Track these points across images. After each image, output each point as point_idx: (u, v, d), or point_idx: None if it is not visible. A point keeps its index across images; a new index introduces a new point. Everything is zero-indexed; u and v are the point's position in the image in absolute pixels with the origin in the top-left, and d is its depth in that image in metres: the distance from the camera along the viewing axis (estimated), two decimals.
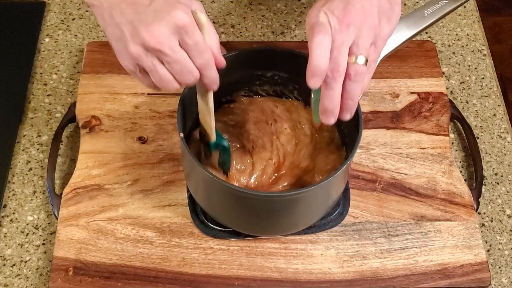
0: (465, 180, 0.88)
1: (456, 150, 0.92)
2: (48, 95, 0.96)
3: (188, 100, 0.75)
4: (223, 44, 0.96)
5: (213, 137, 0.74)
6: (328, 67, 0.60)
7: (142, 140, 0.89)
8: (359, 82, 0.62)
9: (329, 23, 0.60)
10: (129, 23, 0.60)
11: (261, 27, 1.05)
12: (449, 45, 1.04)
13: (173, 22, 0.59)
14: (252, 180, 0.81)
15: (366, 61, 0.61)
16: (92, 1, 0.64)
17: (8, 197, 0.86)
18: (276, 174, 0.82)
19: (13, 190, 0.87)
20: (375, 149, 0.89)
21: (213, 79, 0.64)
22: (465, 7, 1.08)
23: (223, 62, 0.65)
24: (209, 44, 0.62)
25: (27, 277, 0.81)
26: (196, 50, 0.61)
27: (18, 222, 0.85)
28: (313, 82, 0.60)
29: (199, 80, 0.64)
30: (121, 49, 0.63)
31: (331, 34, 0.60)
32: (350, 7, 0.61)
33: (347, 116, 0.64)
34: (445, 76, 1.00)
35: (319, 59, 0.59)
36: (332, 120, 0.63)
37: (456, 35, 1.05)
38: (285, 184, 0.81)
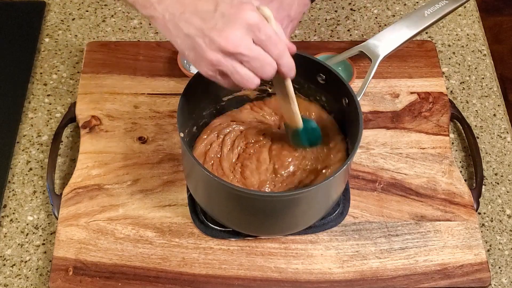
0: (465, 180, 0.88)
1: (456, 150, 0.92)
2: (48, 95, 0.96)
3: (188, 100, 0.75)
4: None
5: (300, 123, 0.75)
6: None
7: (142, 140, 0.89)
8: None
9: None
10: (200, 32, 0.62)
11: None
12: (449, 45, 1.04)
13: (245, 23, 0.61)
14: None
15: None
16: (152, 14, 0.65)
17: (8, 197, 0.86)
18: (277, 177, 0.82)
19: (13, 190, 0.87)
20: (375, 149, 0.89)
21: (290, 65, 0.67)
22: (465, 7, 1.08)
23: (294, 48, 0.67)
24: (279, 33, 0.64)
25: (27, 277, 0.81)
26: (270, 43, 0.63)
27: (18, 222, 0.85)
28: None
29: (277, 70, 0.66)
30: (197, 58, 0.64)
31: None
32: None
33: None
34: (445, 76, 1.00)
35: None
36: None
37: (456, 35, 1.05)
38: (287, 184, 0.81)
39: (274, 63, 0.64)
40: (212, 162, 0.80)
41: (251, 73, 0.64)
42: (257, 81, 0.65)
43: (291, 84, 0.71)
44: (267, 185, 0.79)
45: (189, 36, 0.63)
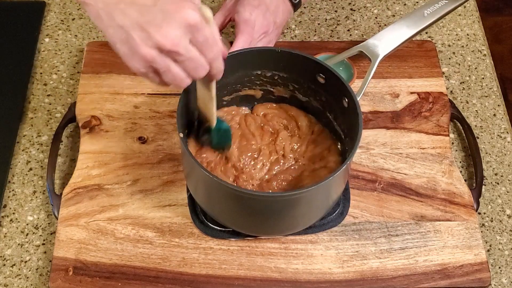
0: (465, 180, 0.88)
1: (456, 150, 0.92)
2: (48, 95, 0.96)
3: (188, 100, 0.75)
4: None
5: (214, 123, 0.76)
6: None
7: (142, 140, 0.89)
8: None
9: None
10: (136, 25, 0.59)
11: None
12: (449, 45, 1.04)
13: (185, 22, 0.59)
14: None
15: None
16: (84, 0, 0.62)
17: (8, 197, 0.86)
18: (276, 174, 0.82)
19: (13, 190, 0.87)
20: (375, 149, 0.89)
21: (221, 69, 0.66)
22: (465, 7, 1.08)
23: (226, 52, 0.66)
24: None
25: (27, 277, 0.81)
26: (206, 46, 0.62)
27: (18, 222, 0.85)
28: None
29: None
30: (129, 52, 0.61)
31: None
32: None
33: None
34: (445, 76, 1.00)
35: None
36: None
37: (456, 35, 1.05)
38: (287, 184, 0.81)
39: (207, 65, 0.64)
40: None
41: (183, 73, 0.63)
42: (188, 81, 0.64)
43: (215, 85, 0.71)
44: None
45: (122, 27, 0.60)
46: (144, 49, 0.60)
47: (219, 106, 0.85)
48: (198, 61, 0.62)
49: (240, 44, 0.84)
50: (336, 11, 1.07)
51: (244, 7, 0.86)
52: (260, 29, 0.86)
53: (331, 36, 1.04)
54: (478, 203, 0.85)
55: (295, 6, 0.91)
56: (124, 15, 0.59)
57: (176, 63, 0.62)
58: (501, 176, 0.90)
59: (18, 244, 0.83)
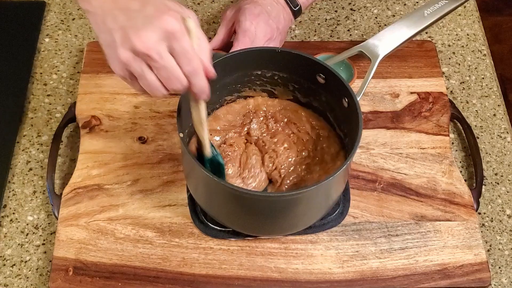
0: (465, 180, 0.88)
1: (456, 150, 0.92)
2: (48, 95, 0.96)
3: (188, 100, 0.74)
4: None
5: (207, 151, 0.73)
6: None
7: (142, 140, 0.89)
8: None
9: None
10: (120, 29, 0.61)
11: None
12: (449, 45, 1.04)
13: (162, 28, 0.59)
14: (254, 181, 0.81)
15: None
16: (87, 8, 0.64)
17: (8, 197, 0.86)
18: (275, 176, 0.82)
19: (13, 190, 0.87)
20: (375, 149, 0.89)
21: (202, 88, 0.64)
22: (465, 7, 1.08)
23: (212, 73, 0.64)
24: (198, 52, 0.62)
25: (27, 277, 0.81)
26: (184, 57, 0.61)
27: (18, 222, 0.85)
28: None
29: (189, 89, 0.64)
30: (111, 55, 0.63)
31: None
32: None
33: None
34: (445, 76, 1.00)
35: None
36: None
37: (456, 35, 1.05)
38: (287, 184, 0.81)
39: (184, 79, 0.62)
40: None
41: (158, 82, 0.62)
42: (163, 91, 0.63)
43: (204, 107, 0.68)
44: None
45: (110, 31, 0.61)
46: (121, 51, 0.61)
47: (223, 104, 0.85)
48: (172, 71, 0.61)
49: None
50: (336, 11, 1.07)
51: (245, 16, 0.85)
52: (264, 36, 0.86)
53: (331, 36, 1.04)
54: (478, 203, 0.85)
55: (296, 14, 0.91)
56: (114, 20, 0.61)
57: (151, 70, 0.61)
58: (501, 176, 0.90)
59: (18, 244, 0.83)
